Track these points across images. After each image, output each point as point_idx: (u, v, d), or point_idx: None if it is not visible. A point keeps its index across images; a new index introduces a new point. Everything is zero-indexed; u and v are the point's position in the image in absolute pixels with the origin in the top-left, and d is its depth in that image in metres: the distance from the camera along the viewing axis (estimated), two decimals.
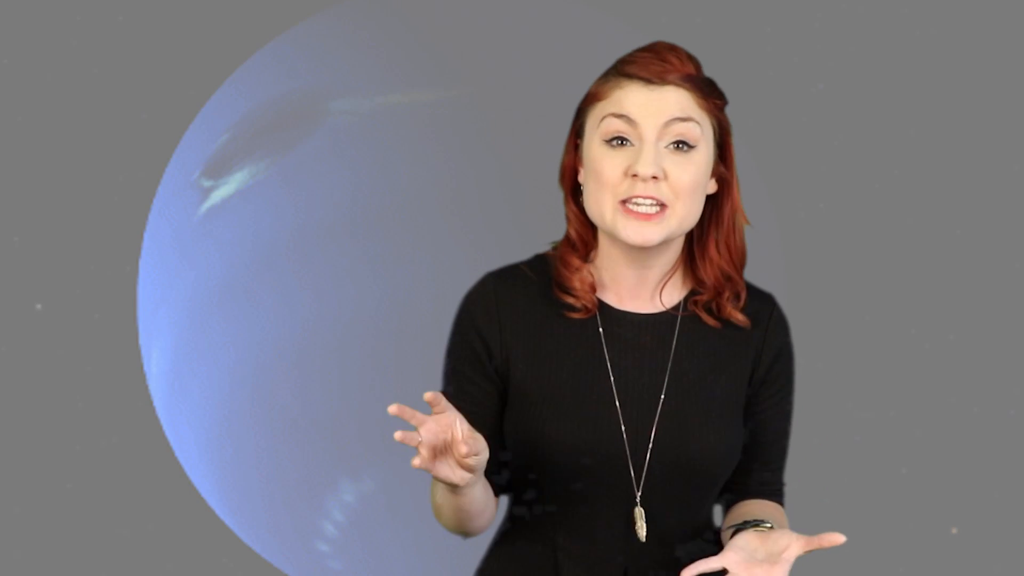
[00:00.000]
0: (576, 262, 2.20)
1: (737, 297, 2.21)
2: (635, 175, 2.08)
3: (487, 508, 2.19)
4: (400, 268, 3.41)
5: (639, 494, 2.16)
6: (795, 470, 2.38)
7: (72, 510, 3.22)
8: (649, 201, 2.09)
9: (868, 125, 3.27)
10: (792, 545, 2.01)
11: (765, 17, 3.26)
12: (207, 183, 3.31)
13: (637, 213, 2.09)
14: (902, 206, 3.28)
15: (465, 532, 2.22)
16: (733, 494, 2.29)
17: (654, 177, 2.08)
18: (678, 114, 2.10)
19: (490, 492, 2.19)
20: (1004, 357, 3.28)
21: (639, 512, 2.15)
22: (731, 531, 2.12)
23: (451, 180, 3.41)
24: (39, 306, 3.21)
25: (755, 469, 2.27)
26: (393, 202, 3.40)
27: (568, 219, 2.23)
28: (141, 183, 3.20)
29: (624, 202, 2.10)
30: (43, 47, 3.19)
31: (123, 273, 3.20)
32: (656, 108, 2.10)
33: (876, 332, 3.30)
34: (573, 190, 2.21)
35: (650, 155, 2.08)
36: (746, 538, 2.04)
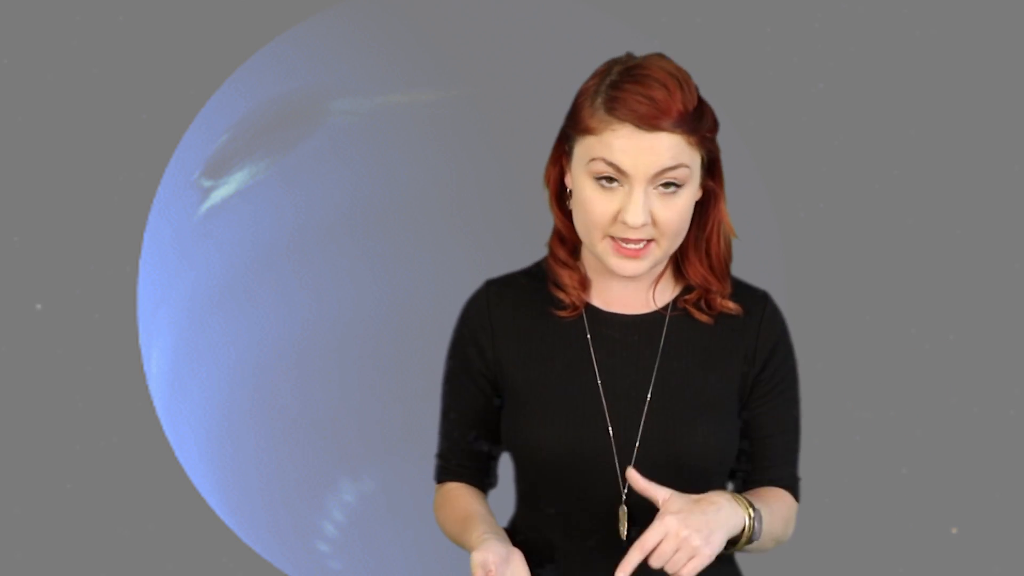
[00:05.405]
0: (563, 254, 2.24)
1: (724, 296, 2.23)
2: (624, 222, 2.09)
3: None
4: (400, 268, 3.41)
5: (625, 493, 2.17)
6: None
7: (72, 510, 3.22)
8: (637, 242, 2.11)
9: (868, 125, 3.27)
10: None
11: (765, 17, 3.26)
12: (207, 183, 3.31)
13: (626, 250, 2.11)
14: (902, 206, 3.28)
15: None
16: (744, 485, 2.28)
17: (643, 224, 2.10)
18: (669, 163, 2.08)
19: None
20: (1004, 357, 3.28)
21: (622, 511, 2.17)
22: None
23: (451, 180, 3.41)
24: (39, 306, 3.21)
25: (763, 467, 2.26)
26: (393, 202, 3.40)
27: (554, 214, 2.25)
28: (141, 183, 3.20)
29: (613, 237, 2.12)
30: (43, 47, 3.19)
31: (123, 273, 3.21)
32: (647, 159, 2.07)
33: (876, 332, 3.30)
34: (558, 192, 2.22)
35: (639, 204, 2.08)
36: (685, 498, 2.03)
